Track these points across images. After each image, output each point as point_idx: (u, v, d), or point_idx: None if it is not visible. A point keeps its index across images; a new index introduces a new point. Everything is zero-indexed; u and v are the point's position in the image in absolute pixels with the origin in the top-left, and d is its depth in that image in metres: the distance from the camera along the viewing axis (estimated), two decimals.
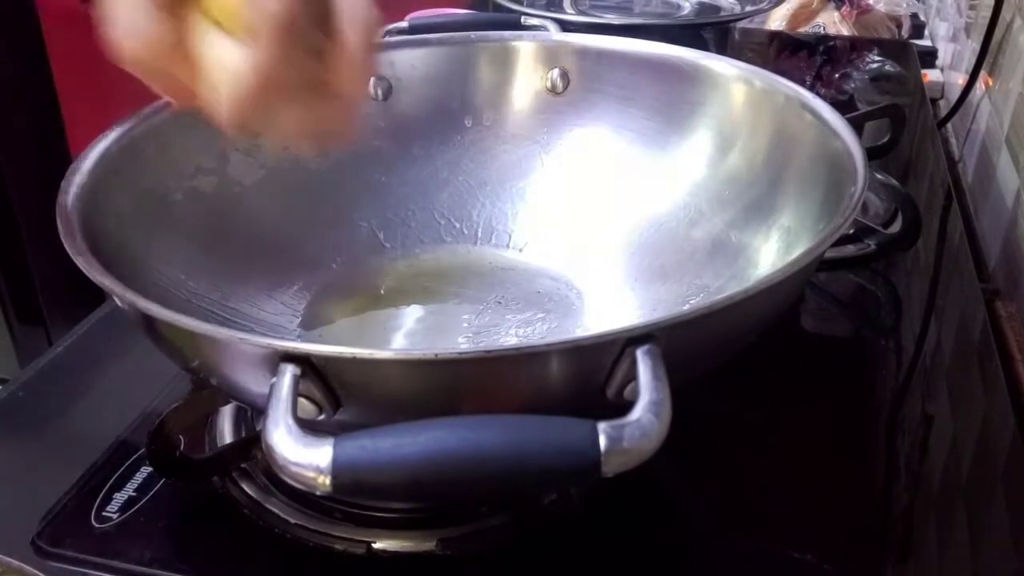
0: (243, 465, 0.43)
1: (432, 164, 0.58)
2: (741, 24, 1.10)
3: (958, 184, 0.85)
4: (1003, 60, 0.84)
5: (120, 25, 0.36)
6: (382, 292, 0.53)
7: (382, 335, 0.50)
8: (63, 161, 0.45)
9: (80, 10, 0.59)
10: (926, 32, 1.26)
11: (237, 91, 0.36)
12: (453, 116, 0.59)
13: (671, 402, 0.30)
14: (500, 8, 0.93)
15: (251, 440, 0.43)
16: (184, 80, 0.37)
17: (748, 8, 1.02)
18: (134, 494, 0.42)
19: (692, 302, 0.50)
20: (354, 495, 0.37)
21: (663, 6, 1.04)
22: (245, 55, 0.36)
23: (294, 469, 0.29)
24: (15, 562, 0.39)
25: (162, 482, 0.43)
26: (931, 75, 1.07)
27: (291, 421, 0.30)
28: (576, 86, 0.59)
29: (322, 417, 0.33)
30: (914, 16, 1.26)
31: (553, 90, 0.59)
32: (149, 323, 0.37)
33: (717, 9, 1.04)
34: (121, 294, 0.35)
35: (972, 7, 1.03)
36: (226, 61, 0.37)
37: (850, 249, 0.61)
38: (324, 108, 0.39)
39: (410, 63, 0.58)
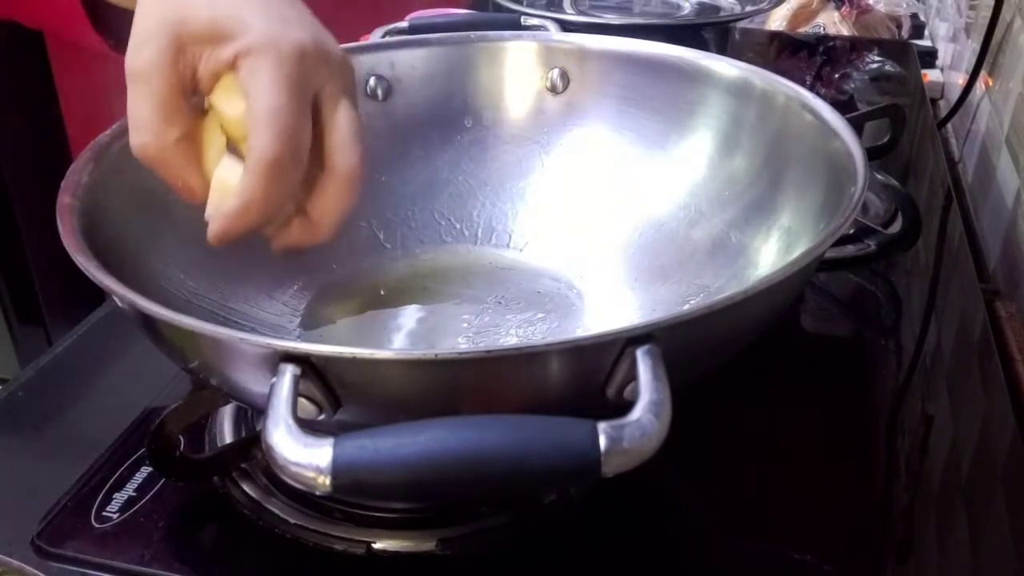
0: (243, 465, 0.43)
1: (432, 164, 0.58)
2: (741, 24, 1.10)
3: (958, 184, 0.85)
4: (1003, 60, 0.85)
5: (133, 120, 0.40)
6: (382, 292, 0.53)
7: (382, 335, 0.50)
8: (63, 161, 0.45)
9: (80, 11, 0.59)
10: (926, 32, 1.26)
11: (225, 218, 0.40)
12: (453, 116, 0.59)
13: (671, 402, 0.30)
14: (500, 8, 0.93)
15: (251, 440, 0.43)
16: (189, 178, 0.41)
17: (748, 8, 1.02)
18: (134, 494, 0.42)
19: (692, 302, 0.50)
20: (354, 495, 0.37)
21: (663, 6, 1.04)
22: (238, 185, 0.39)
23: (294, 469, 0.29)
24: (15, 562, 0.39)
25: (162, 482, 0.43)
26: (931, 75, 1.07)
27: (291, 421, 0.30)
28: (576, 86, 0.59)
29: (322, 417, 0.33)
30: (914, 16, 1.26)
31: (553, 90, 0.59)
32: (149, 323, 0.37)
33: (717, 9, 1.04)
34: (121, 294, 0.35)
35: (972, 7, 1.03)
36: (224, 183, 0.41)
37: (850, 249, 0.61)
38: (300, 228, 0.42)
39: (410, 63, 0.58)
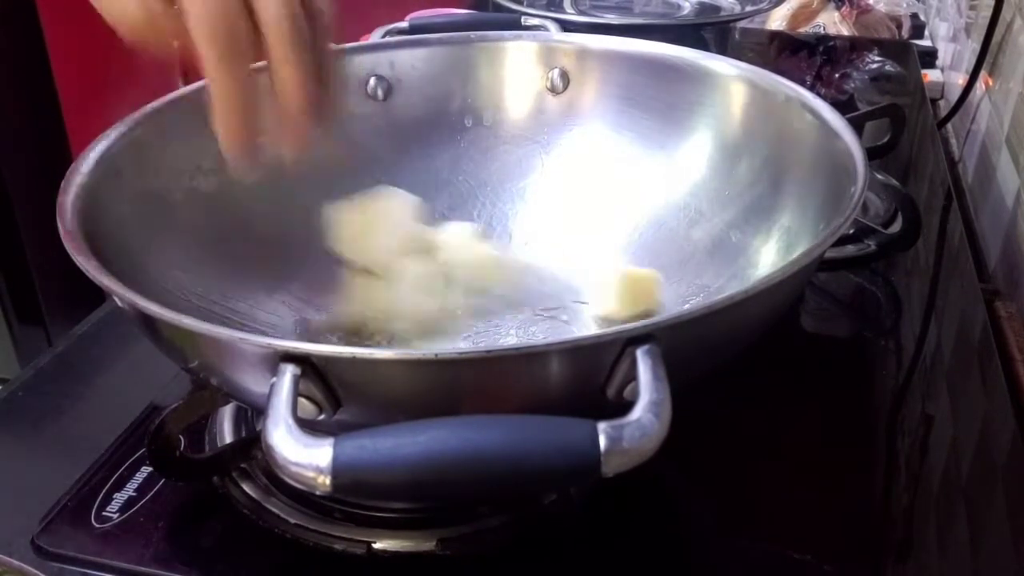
0: (243, 465, 0.43)
1: (432, 164, 0.58)
2: (741, 24, 1.10)
3: (958, 184, 0.85)
4: (1003, 60, 0.85)
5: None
6: None
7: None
8: (63, 161, 0.45)
9: (82, 8, 0.59)
10: (926, 32, 1.26)
11: (220, 123, 0.39)
12: (453, 116, 0.59)
13: (671, 402, 0.30)
14: (500, 8, 0.93)
15: (251, 440, 0.43)
16: (180, 45, 0.39)
17: (748, 8, 1.02)
18: (134, 494, 0.42)
19: (692, 302, 0.50)
20: (354, 495, 0.37)
21: (663, 6, 1.04)
22: (212, 92, 0.39)
23: (294, 469, 0.29)
24: (15, 562, 0.39)
25: (162, 482, 0.43)
26: (931, 75, 1.07)
27: (291, 421, 0.30)
28: (576, 86, 0.59)
29: (322, 417, 0.33)
30: (914, 16, 1.26)
31: (553, 90, 0.59)
32: (149, 323, 0.37)
33: (717, 9, 1.04)
34: (121, 294, 0.35)
35: (972, 7, 1.03)
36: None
37: (850, 249, 0.61)
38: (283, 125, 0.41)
39: (410, 63, 0.58)
